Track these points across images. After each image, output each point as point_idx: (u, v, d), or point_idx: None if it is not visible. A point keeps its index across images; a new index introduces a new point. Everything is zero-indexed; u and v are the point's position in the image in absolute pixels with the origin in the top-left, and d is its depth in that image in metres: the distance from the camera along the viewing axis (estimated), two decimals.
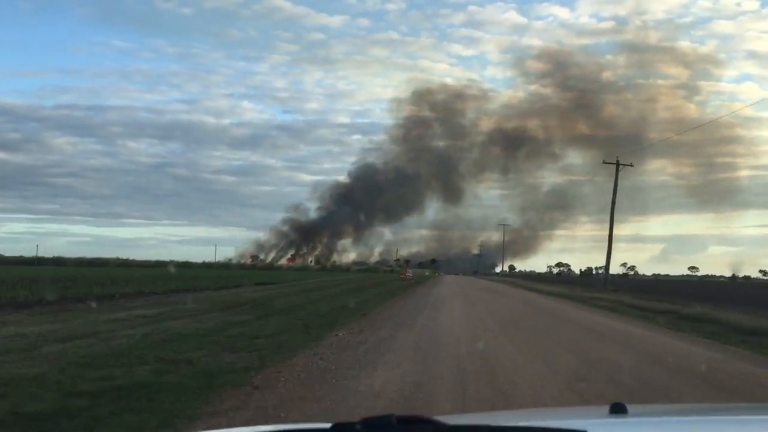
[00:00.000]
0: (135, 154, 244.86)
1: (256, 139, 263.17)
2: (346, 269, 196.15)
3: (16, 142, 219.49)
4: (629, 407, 1.92)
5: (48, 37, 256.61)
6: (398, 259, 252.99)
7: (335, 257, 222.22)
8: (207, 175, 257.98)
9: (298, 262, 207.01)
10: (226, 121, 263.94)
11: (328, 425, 1.29)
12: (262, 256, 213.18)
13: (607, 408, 1.93)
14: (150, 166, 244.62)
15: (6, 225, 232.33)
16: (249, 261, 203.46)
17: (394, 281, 65.96)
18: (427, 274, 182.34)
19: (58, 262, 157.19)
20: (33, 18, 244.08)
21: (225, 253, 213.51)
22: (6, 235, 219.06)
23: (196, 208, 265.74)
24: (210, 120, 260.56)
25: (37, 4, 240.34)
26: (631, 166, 55.66)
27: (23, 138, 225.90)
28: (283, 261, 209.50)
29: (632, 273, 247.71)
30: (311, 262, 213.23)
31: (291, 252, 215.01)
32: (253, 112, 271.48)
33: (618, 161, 55.14)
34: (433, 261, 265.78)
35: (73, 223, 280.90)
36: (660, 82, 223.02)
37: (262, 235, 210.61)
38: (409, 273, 65.95)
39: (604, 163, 56.66)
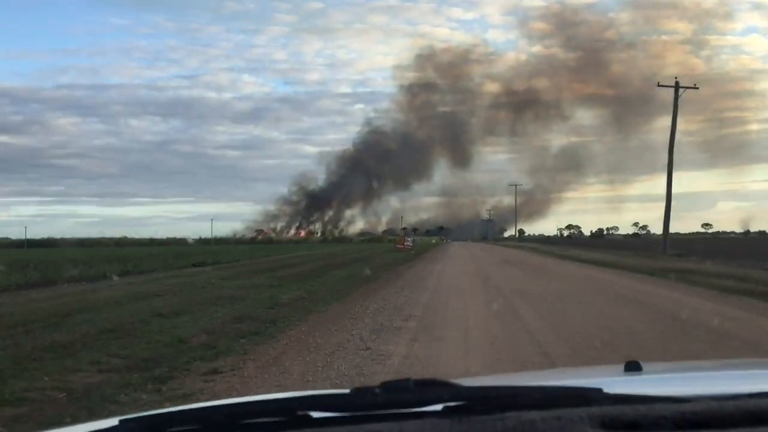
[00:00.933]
0: (138, 132, 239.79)
1: (258, 112, 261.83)
2: (350, 240, 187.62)
3: (18, 125, 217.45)
4: (644, 365, 1.94)
5: (42, 17, 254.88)
6: (405, 228, 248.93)
7: (342, 227, 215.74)
8: (211, 151, 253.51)
9: (302, 234, 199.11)
10: (227, 96, 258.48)
11: (347, 390, 1.31)
12: (267, 229, 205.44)
13: (621, 366, 1.93)
14: (154, 144, 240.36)
15: (13, 208, 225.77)
16: (254, 234, 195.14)
17: (389, 253, 52.16)
18: (434, 242, 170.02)
19: (48, 243, 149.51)
20: None
21: (233, 227, 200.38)
22: (13, 218, 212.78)
23: (202, 184, 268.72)
24: (211, 95, 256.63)
25: None
26: (696, 88, 41.54)
27: (25, 120, 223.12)
28: (291, 233, 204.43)
29: (644, 232, 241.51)
30: (318, 233, 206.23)
31: (296, 224, 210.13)
32: (254, 85, 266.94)
33: (677, 83, 41.32)
34: (441, 228, 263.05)
35: (80, 204, 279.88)
36: (664, 38, 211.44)
37: (268, 208, 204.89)
38: (408, 242, 51.15)
39: (659, 86, 42.37)
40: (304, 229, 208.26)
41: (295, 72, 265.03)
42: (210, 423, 1.25)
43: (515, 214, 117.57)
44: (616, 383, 1.60)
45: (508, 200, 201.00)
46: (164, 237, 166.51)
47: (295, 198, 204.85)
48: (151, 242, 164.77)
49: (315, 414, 1.25)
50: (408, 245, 50.68)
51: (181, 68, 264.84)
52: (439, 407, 1.21)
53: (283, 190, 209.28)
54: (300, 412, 1.26)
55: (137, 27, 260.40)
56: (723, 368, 2.40)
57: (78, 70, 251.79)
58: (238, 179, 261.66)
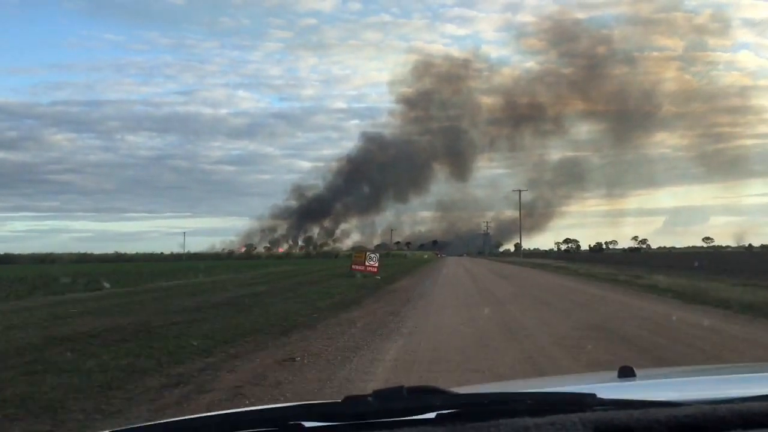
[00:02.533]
0: (134, 147, 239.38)
1: (253, 127, 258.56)
2: (335, 255, 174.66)
3: (14, 141, 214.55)
4: (637, 371, 1.92)
5: (37, 32, 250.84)
6: (398, 242, 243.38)
7: (335, 239, 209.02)
8: (206, 166, 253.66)
9: (281, 249, 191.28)
10: (223, 111, 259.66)
11: (339, 399, 1.29)
12: (245, 245, 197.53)
13: (615, 372, 1.91)
14: (149, 159, 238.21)
15: (8, 224, 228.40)
16: (242, 249, 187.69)
17: (335, 280, 32.29)
18: (426, 257, 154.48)
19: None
20: (20, 13, 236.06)
21: (227, 242, 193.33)
22: (8, 233, 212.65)
23: (197, 199, 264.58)
24: (207, 110, 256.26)
25: None
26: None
27: (21, 136, 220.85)
28: (279, 248, 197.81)
29: (644, 246, 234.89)
30: (299, 248, 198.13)
31: (286, 237, 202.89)
32: (249, 101, 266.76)
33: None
34: (435, 242, 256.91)
35: (75, 219, 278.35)
36: (656, 54, 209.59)
37: (258, 222, 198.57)
38: (372, 261, 32.72)
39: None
40: (289, 243, 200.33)
41: (290, 88, 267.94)
42: None
43: (519, 223, 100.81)
44: (610, 389, 1.57)
45: (504, 214, 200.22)
46: (159, 252, 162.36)
47: (292, 205, 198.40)
48: (119, 258, 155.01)
49: (307, 424, 1.24)
50: (371, 266, 32.71)
51: (176, 84, 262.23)
52: (432, 415, 1.20)
53: (278, 204, 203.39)
54: (292, 422, 1.24)
55: (132, 43, 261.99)
56: (716, 373, 2.31)
57: (73, 86, 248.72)
58: (234, 194, 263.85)
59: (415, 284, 29.94)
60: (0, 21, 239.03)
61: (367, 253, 33.76)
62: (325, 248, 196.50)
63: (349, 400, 1.28)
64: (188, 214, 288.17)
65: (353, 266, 33.14)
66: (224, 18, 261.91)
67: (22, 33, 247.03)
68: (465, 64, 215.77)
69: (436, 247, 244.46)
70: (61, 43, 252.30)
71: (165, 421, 1.41)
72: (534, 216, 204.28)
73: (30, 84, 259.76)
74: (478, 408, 1.24)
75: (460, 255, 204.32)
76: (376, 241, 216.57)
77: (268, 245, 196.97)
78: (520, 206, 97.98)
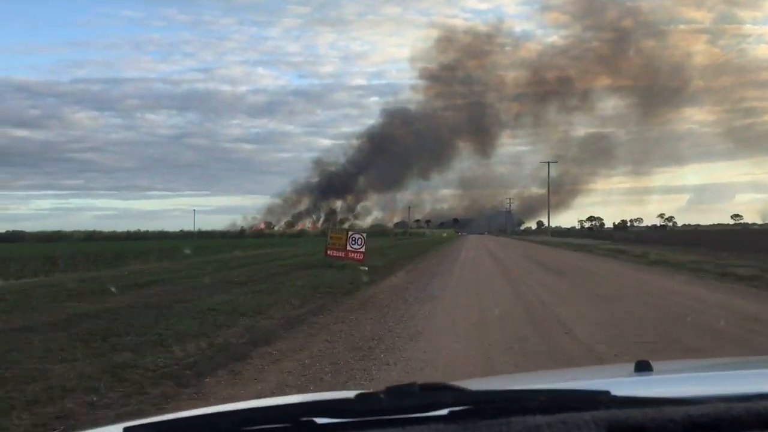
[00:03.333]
0: (154, 126, 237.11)
1: (272, 105, 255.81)
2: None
3: (36, 119, 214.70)
4: (654, 364, 1.86)
5: (55, 10, 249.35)
6: (418, 220, 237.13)
7: (351, 218, 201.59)
8: (226, 144, 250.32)
9: (307, 226, 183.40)
10: (242, 89, 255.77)
11: (352, 394, 1.28)
12: (263, 223, 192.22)
13: (632, 366, 1.85)
14: (169, 138, 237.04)
15: (32, 202, 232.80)
16: (262, 227, 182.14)
17: (300, 272, 21.77)
18: (445, 235, 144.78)
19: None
20: None
21: (247, 221, 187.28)
22: (33, 211, 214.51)
23: (217, 178, 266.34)
24: (226, 88, 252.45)
25: None
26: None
27: (43, 114, 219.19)
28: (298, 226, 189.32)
29: (671, 225, 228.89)
30: (329, 225, 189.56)
31: (305, 215, 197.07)
32: (268, 78, 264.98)
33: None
34: (456, 221, 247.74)
35: (97, 198, 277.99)
36: (683, 27, 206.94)
37: (278, 200, 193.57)
38: (356, 245, 22.45)
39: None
40: (312, 219, 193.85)
41: (309, 65, 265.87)
42: (215, 429, 1.22)
43: (547, 198, 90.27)
44: (625, 384, 1.55)
45: (526, 192, 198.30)
46: (177, 230, 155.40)
47: (312, 182, 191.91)
48: (129, 236, 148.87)
49: (319, 420, 1.23)
50: (355, 252, 22.64)
51: (195, 61, 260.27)
52: (444, 412, 1.18)
53: (299, 180, 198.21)
54: (304, 419, 1.23)
55: (150, 20, 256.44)
56: (734, 368, 2.23)
57: (93, 63, 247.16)
58: (253, 172, 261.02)
59: (417, 280, 20.01)
60: (21, 1, 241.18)
61: (349, 233, 23.88)
62: (345, 225, 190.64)
63: (362, 396, 1.26)
64: (207, 192, 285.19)
65: (329, 251, 23.36)
66: None
67: (41, 11, 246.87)
68: (487, 38, 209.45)
69: (456, 225, 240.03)
70: (79, 20, 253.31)
71: (176, 416, 1.40)
72: (558, 193, 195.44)
73: (50, 62, 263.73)
74: (490, 405, 1.20)
75: (481, 233, 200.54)
76: (396, 219, 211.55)
77: (290, 221, 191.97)
78: (549, 179, 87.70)
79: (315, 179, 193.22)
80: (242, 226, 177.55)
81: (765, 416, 1.11)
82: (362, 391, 1.28)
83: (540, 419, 1.09)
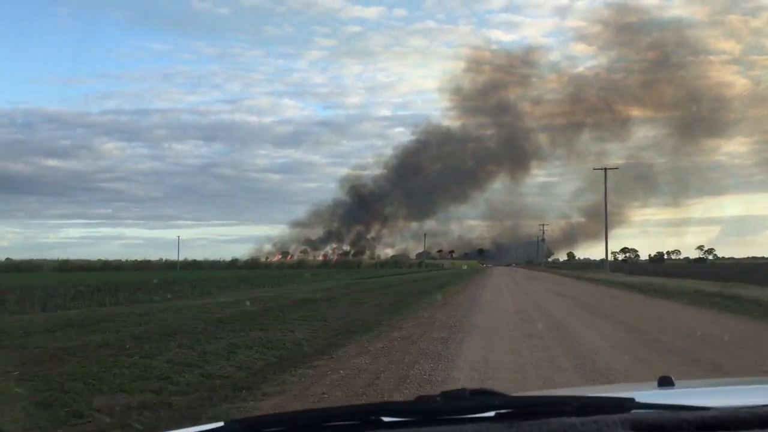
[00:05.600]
0: (181, 156, 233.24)
1: (298, 136, 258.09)
2: (357, 265, 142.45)
3: (67, 149, 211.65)
4: (676, 381, 1.97)
5: (87, 42, 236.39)
6: (440, 251, 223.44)
7: (369, 250, 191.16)
8: (252, 174, 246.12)
9: (289, 258, 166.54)
10: (268, 120, 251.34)
11: (411, 399, 1.43)
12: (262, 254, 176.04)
13: (655, 382, 1.98)
14: (197, 168, 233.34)
15: (62, 230, 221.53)
16: (278, 258, 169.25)
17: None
18: (465, 268, 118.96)
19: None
20: (72, 25, 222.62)
21: (266, 251, 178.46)
22: (62, 240, 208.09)
23: (243, 207, 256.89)
24: (252, 119, 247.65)
25: (74, 9, 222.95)
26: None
27: (73, 144, 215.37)
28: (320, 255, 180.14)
29: (710, 257, 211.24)
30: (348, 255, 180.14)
31: (321, 245, 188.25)
32: (294, 109, 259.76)
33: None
34: (481, 251, 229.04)
35: (126, 227, 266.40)
36: (711, 58, 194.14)
37: (295, 230, 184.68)
38: None
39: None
40: (332, 248, 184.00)
41: (334, 96, 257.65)
42: (299, 426, 1.39)
43: (605, 215, 62.75)
44: (648, 395, 1.66)
45: (557, 223, 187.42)
46: (202, 259, 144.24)
47: (331, 212, 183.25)
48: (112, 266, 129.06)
49: (385, 418, 1.36)
50: None
51: (222, 93, 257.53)
52: (491, 414, 1.31)
53: (320, 206, 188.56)
54: (372, 417, 1.37)
55: (179, 52, 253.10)
56: (750, 383, 2.35)
57: (123, 95, 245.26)
58: (279, 202, 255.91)
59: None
60: (53, 33, 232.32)
61: None
62: (363, 255, 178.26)
63: (421, 398, 1.40)
64: (234, 222, 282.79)
65: None
66: (269, 27, 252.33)
67: (73, 44, 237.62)
68: (514, 69, 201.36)
69: (481, 255, 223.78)
70: (110, 53, 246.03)
71: (268, 414, 1.57)
72: (590, 224, 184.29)
73: (81, 93, 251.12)
74: (531, 408, 1.34)
75: (508, 265, 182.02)
76: (419, 249, 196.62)
77: (303, 251, 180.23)
78: (606, 189, 61.08)
79: (355, 189, 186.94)
80: (265, 257, 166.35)
81: (766, 418, 1.25)
82: (421, 395, 1.43)
83: (574, 420, 1.22)
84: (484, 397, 1.37)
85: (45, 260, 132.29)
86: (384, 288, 28.95)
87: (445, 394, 1.36)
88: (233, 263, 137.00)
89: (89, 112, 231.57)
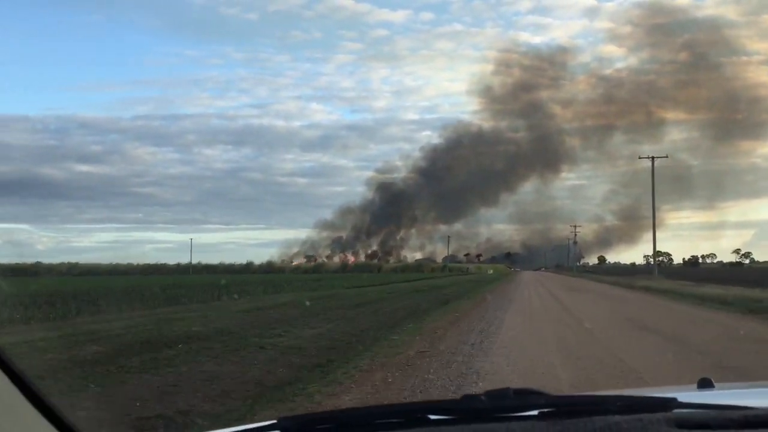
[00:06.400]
0: (211, 160, 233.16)
1: (326, 140, 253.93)
2: (378, 268, 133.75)
3: (99, 154, 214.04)
4: (716, 384, 1.95)
5: (119, 50, 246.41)
6: (467, 254, 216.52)
7: (395, 253, 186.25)
8: (280, 178, 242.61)
9: (303, 261, 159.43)
10: (296, 124, 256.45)
11: (457, 398, 1.45)
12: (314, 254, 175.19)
13: (695, 385, 1.96)
14: (226, 172, 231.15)
15: (95, 234, 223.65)
16: (303, 261, 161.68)
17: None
18: (491, 272, 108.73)
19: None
20: (105, 33, 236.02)
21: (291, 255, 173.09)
22: (95, 244, 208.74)
23: (271, 211, 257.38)
24: (280, 123, 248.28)
25: (106, 17, 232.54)
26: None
27: (106, 150, 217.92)
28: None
29: (747, 261, 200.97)
30: (375, 259, 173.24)
31: (345, 250, 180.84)
32: (321, 113, 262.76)
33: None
34: (508, 254, 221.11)
35: (157, 231, 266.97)
36: (744, 59, 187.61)
37: (318, 233, 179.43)
38: None
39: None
40: (354, 254, 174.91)
41: (362, 99, 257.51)
42: (349, 423, 1.42)
43: (653, 207, 52.46)
44: (690, 395, 1.66)
45: (587, 227, 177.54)
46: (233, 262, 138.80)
47: (371, 203, 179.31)
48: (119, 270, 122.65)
49: (432, 416, 1.38)
50: None
51: (250, 97, 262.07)
52: (535, 412, 1.31)
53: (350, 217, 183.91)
54: (419, 415, 1.39)
55: (208, 58, 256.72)
56: None
57: (154, 100, 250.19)
58: (307, 206, 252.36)
59: None
60: (86, 41, 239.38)
61: None
62: (390, 257, 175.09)
63: (466, 397, 1.41)
64: (262, 225, 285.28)
65: None
66: (296, 31, 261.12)
67: (106, 51, 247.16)
68: (542, 71, 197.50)
69: (509, 259, 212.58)
70: (141, 60, 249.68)
71: (320, 411, 1.68)
72: (619, 228, 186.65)
73: (114, 99, 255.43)
74: (575, 407, 1.34)
75: (537, 269, 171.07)
76: (447, 252, 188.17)
77: (328, 254, 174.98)
78: (653, 180, 51.05)
79: (387, 188, 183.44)
80: (307, 257, 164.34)
81: None
82: (466, 394, 1.44)
83: (618, 418, 1.22)
84: (528, 396, 1.37)
85: (76, 264, 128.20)
86: (371, 303, 20.12)
87: (490, 394, 1.36)
88: (248, 267, 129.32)
89: (121, 118, 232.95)
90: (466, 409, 1.37)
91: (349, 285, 38.25)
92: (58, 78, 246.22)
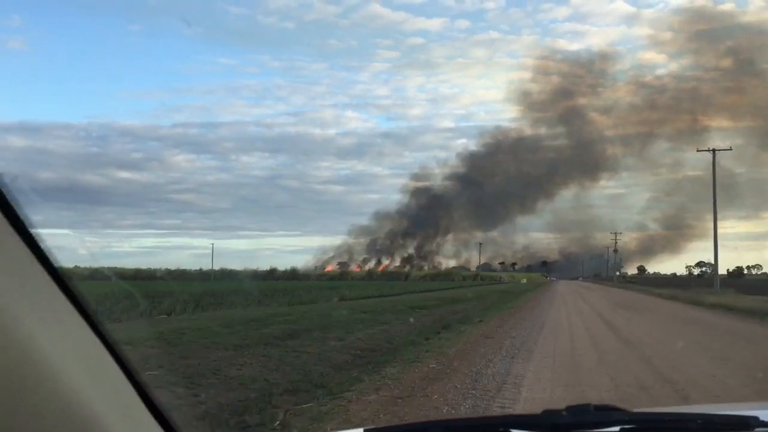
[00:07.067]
0: (248, 168, 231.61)
1: (361, 147, 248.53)
2: (405, 276, 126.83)
3: (139, 162, 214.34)
4: None
5: (158, 58, 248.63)
6: (502, 263, 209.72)
7: (430, 259, 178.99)
8: (316, 186, 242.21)
9: (329, 268, 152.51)
10: (331, 132, 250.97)
11: (538, 412, 1.42)
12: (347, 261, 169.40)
13: None
14: (262, 179, 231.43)
15: (135, 240, 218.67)
16: (330, 268, 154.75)
17: None
18: (524, 281, 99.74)
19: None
20: (144, 41, 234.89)
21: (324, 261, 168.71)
22: (135, 249, 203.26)
23: (307, 219, 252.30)
24: (316, 131, 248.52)
25: (145, 27, 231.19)
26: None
27: (145, 157, 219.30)
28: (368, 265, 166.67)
29: None
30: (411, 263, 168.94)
31: (381, 255, 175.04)
32: (357, 121, 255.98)
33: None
34: (544, 263, 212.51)
35: (194, 237, 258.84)
36: None
37: (351, 240, 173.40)
38: None
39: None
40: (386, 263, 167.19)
41: (397, 107, 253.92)
42: None
43: (713, 207, 43.63)
44: None
45: (628, 236, 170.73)
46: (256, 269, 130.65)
47: (407, 210, 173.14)
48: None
49: (513, 430, 1.36)
50: None
51: (287, 105, 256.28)
52: (616, 429, 1.30)
53: (386, 225, 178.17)
54: (500, 429, 1.37)
55: (245, 66, 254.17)
56: None
57: (192, 108, 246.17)
58: (342, 213, 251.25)
59: None
60: (126, 50, 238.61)
61: None
62: (425, 267, 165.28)
63: (547, 412, 1.39)
64: (298, 232, 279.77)
65: None
66: (332, 40, 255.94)
67: (145, 60, 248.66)
68: (580, 79, 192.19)
69: (545, 268, 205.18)
70: (180, 68, 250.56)
71: (404, 423, 1.60)
72: (662, 237, 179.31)
73: (153, 107, 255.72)
74: (655, 424, 1.33)
75: (575, 278, 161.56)
76: (483, 260, 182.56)
77: (362, 260, 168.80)
78: (715, 175, 42.40)
79: (425, 192, 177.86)
80: (341, 264, 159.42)
81: None
82: (547, 409, 1.41)
83: None
84: (609, 413, 1.34)
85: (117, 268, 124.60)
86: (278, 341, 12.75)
87: (571, 409, 1.34)
88: (272, 273, 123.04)
89: (160, 125, 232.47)
90: (547, 424, 1.34)
91: (341, 296, 30.89)
92: (99, 86, 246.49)
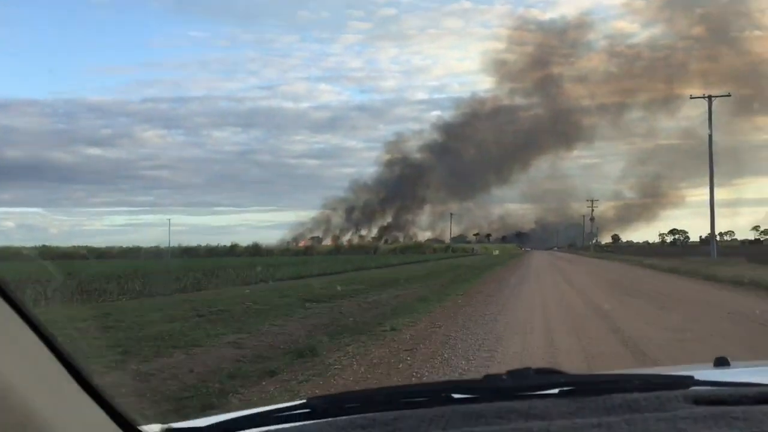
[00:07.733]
0: (220, 143, 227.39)
1: (335, 121, 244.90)
2: (374, 249, 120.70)
3: (109, 138, 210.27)
4: (732, 362, 1.95)
5: (126, 32, 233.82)
6: (477, 234, 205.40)
7: (407, 232, 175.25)
8: (290, 160, 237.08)
9: (302, 244, 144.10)
10: (304, 105, 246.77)
11: (481, 376, 1.46)
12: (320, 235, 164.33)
13: (711, 363, 1.97)
14: (235, 154, 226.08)
15: (107, 218, 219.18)
16: (304, 243, 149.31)
17: None
18: (496, 253, 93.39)
19: None
20: (110, 14, 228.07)
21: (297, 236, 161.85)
22: (107, 227, 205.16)
23: (282, 193, 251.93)
24: (289, 105, 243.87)
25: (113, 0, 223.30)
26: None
27: (115, 133, 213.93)
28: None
29: (766, 238, 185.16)
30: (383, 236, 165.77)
31: (357, 227, 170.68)
32: (330, 94, 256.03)
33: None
34: (518, 234, 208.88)
35: (168, 213, 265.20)
36: (758, 33, 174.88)
37: (320, 214, 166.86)
38: None
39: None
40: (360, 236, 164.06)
41: (370, 80, 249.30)
42: (376, 402, 1.41)
43: (710, 165, 37.51)
44: (706, 374, 1.66)
45: (601, 205, 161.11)
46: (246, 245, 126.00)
47: (356, 196, 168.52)
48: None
49: (455, 395, 1.39)
50: None
51: (259, 79, 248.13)
52: (555, 391, 1.33)
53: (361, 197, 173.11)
54: (443, 394, 1.39)
55: (215, 39, 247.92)
56: None
57: (162, 83, 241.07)
58: (317, 188, 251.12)
59: None
60: (92, 24, 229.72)
61: None
62: (398, 236, 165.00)
63: (488, 377, 1.41)
64: (273, 207, 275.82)
65: None
66: (304, 11, 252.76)
67: (113, 34, 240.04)
68: (553, 48, 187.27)
69: (520, 239, 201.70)
70: (148, 42, 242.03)
71: (348, 391, 1.62)
72: (635, 206, 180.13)
73: (121, 83, 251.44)
74: (594, 386, 1.34)
75: (550, 249, 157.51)
76: (460, 231, 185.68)
77: (336, 234, 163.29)
78: (711, 125, 35.98)
79: (402, 159, 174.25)
80: (313, 238, 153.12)
81: None
82: (488, 373, 1.42)
83: (636, 395, 1.22)
84: (548, 375, 1.37)
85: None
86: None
87: (512, 373, 1.36)
88: (232, 250, 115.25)
89: (129, 101, 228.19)
90: (489, 388, 1.36)
91: (273, 276, 24.38)
92: (65, 61, 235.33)
